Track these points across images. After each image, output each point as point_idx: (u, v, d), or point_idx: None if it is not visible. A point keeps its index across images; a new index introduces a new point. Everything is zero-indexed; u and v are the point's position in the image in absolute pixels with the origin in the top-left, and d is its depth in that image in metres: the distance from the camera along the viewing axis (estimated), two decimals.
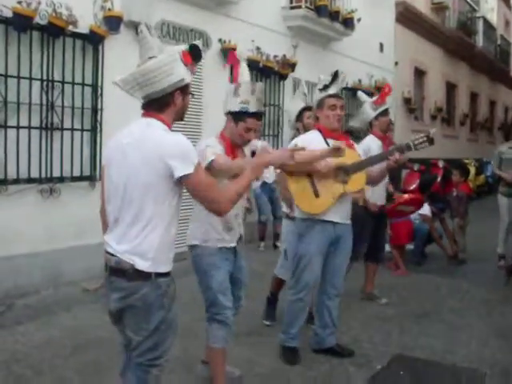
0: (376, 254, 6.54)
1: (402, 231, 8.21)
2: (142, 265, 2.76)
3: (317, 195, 4.58)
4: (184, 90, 2.90)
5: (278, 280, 5.73)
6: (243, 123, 3.81)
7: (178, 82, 2.84)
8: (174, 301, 2.90)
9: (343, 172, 4.61)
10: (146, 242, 2.77)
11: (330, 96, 4.70)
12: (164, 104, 2.88)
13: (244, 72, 4.04)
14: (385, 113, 6.35)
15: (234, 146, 3.89)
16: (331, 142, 4.64)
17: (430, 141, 4.77)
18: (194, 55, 2.90)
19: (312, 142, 4.57)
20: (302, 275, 4.68)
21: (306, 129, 5.54)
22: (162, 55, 2.85)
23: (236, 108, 3.82)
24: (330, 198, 4.61)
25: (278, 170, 4.88)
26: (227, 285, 3.88)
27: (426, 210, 8.74)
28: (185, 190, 2.84)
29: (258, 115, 3.86)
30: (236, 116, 3.83)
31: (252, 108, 3.80)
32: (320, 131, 4.72)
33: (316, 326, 4.95)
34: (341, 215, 4.70)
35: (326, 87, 4.72)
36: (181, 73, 2.84)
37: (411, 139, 4.80)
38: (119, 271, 2.80)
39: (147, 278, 2.78)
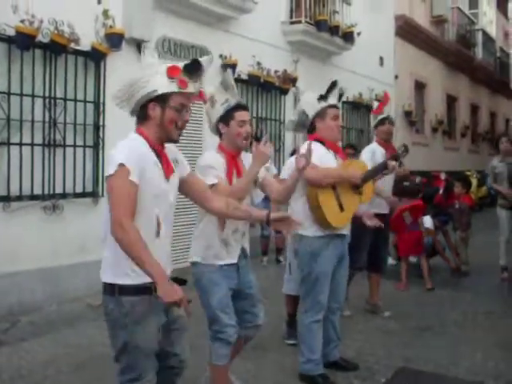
0: (378, 264, 6.48)
1: (410, 242, 8.08)
2: (105, 277, 2.85)
3: (342, 209, 4.52)
4: (160, 101, 2.85)
5: (290, 298, 5.61)
6: (233, 120, 3.82)
7: (150, 92, 2.84)
8: (141, 322, 2.79)
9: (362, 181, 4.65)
10: (106, 251, 2.86)
11: (332, 106, 4.62)
12: (142, 117, 2.92)
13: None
14: (382, 122, 6.33)
15: (234, 156, 3.89)
16: (332, 153, 4.62)
17: (406, 149, 5.56)
18: (190, 69, 2.89)
19: (322, 153, 4.51)
20: (320, 296, 4.55)
21: None
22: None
23: (221, 112, 3.86)
24: (352, 211, 4.61)
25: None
26: (227, 302, 3.83)
27: (428, 222, 8.73)
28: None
29: (242, 106, 3.90)
30: (225, 119, 3.85)
31: (232, 102, 3.85)
32: (321, 142, 4.59)
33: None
34: (348, 227, 4.73)
35: (323, 97, 4.61)
36: (155, 84, 2.84)
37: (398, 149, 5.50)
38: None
39: (112, 293, 2.81)
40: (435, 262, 9.13)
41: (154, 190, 2.83)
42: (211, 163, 3.76)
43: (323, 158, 4.48)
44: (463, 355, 5.32)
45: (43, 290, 6.49)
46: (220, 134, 3.95)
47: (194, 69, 2.91)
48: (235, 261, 3.90)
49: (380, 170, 5.22)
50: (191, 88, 2.91)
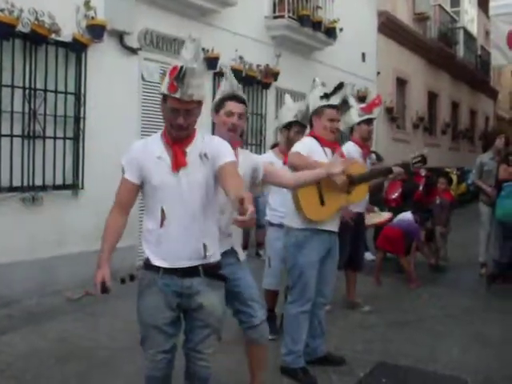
0: (355, 262, 6.42)
1: (388, 237, 7.99)
2: None
3: (322, 203, 4.51)
4: (164, 99, 3.01)
5: (269, 293, 5.62)
6: (223, 110, 3.75)
7: (160, 88, 3.06)
8: (144, 292, 3.13)
9: (349, 182, 4.57)
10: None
11: (331, 107, 4.58)
12: None
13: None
14: (369, 121, 6.27)
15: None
16: (328, 150, 4.58)
17: (424, 160, 4.94)
18: (180, 74, 2.89)
19: (315, 149, 4.52)
20: (307, 287, 4.54)
21: (291, 142, 5.16)
22: None
23: (216, 100, 3.84)
24: (334, 207, 4.59)
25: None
26: None
27: (409, 218, 8.76)
28: None
29: (237, 98, 3.78)
30: (216, 107, 3.81)
31: (227, 91, 3.82)
32: (316, 139, 4.59)
33: (306, 336, 4.79)
34: (336, 225, 4.70)
35: (326, 96, 4.57)
36: (163, 84, 3.02)
37: (411, 157, 4.96)
38: None
39: None
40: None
41: (154, 182, 3.03)
42: None
43: (314, 154, 4.46)
44: (442, 350, 5.37)
45: (22, 283, 6.42)
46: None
47: (181, 76, 2.89)
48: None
49: (379, 175, 5.16)
50: (178, 93, 2.91)
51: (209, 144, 3.09)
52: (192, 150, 3.04)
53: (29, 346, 5.15)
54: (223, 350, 4.57)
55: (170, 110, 2.97)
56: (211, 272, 3.13)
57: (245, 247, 9.36)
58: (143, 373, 3.25)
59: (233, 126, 3.71)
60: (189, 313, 3.17)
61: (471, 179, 9.05)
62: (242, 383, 4.40)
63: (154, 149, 3.07)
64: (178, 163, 3.01)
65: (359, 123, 6.26)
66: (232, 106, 3.74)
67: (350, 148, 6.04)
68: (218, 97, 3.84)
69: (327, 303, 4.90)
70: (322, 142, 4.57)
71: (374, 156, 8.40)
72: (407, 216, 8.56)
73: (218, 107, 3.79)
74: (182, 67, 2.89)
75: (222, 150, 3.07)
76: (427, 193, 9.67)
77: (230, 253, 3.73)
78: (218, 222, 3.31)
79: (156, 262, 3.07)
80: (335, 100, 4.59)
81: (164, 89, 2.98)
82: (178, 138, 3.03)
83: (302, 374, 4.55)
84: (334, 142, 4.68)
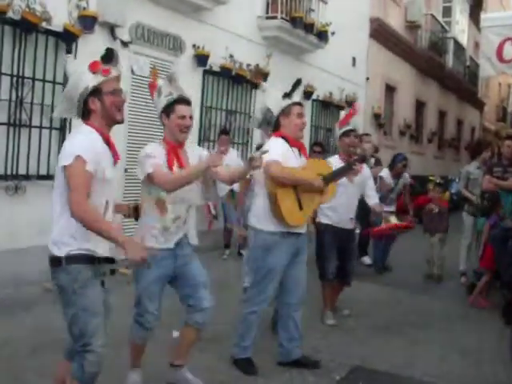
0: (344, 277, 6.24)
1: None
2: (55, 251, 3.15)
3: (301, 207, 4.59)
4: (96, 93, 3.22)
5: None
6: (174, 114, 3.96)
7: (84, 89, 3.21)
8: (87, 285, 3.13)
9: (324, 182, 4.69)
10: (56, 229, 3.16)
11: (296, 104, 4.69)
12: (86, 112, 3.27)
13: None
14: (347, 134, 5.97)
15: (175, 147, 3.99)
16: (295, 150, 4.69)
17: (376, 149, 5.33)
18: (107, 58, 3.26)
19: (285, 150, 4.59)
20: (267, 288, 4.65)
21: None
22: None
23: (163, 103, 3.98)
24: (311, 210, 4.68)
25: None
26: (154, 290, 3.95)
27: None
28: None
29: (185, 101, 4.00)
30: (166, 111, 3.98)
31: (175, 95, 3.98)
32: (285, 139, 4.65)
33: (282, 338, 4.88)
34: (304, 226, 4.76)
35: (288, 95, 4.68)
36: (85, 82, 3.21)
37: (364, 150, 5.26)
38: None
39: (59, 263, 3.13)
40: (398, 261, 9.26)
41: (107, 174, 3.21)
42: (149, 153, 3.88)
43: (285, 155, 4.56)
44: (419, 356, 5.39)
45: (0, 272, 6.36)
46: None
47: (109, 56, 3.28)
48: (172, 246, 3.95)
49: (345, 171, 5.24)
50: (114, 72, 3.29)
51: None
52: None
53: (4, 335, 5.09)
54: (200, 348, 4.60)
55: (111, 93, 3.24)
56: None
57: (226, 246, 9.36)
58: (85, 372, 3.19)
59: (186, 129, 3.99)
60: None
61: (455, 188, 9.07)
62: (220, 381, 4.41)
63: (102, 143, 3.24)
64: (116, 156, 3.35)
65: (340, 138, 6.05)
66: (184, 109, 3.98)
67: (333, 162, 5.62)
68: (164, 101, 4.00)
69: (301, 304, 4.89)
70: (290, 142, 4.67)
71: (372, 160, 8.44)
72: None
73: (169, 110, 3.97)
74: (107, 51, 3.31)
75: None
76: (410, 200, 9.67)
77: (183, 238, 4.01)
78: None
79: (99, 252, 3.20)
80: (296, 97, 4.74)
81: (96, 80, 3.22)
82: (115, 122, 3.33)
83: (244, 363, 4.71)
84: (299, 141, 4.80)
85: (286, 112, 4.67)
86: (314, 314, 6.22)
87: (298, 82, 4.76)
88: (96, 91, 3.21)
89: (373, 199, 6.30)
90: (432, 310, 7.11)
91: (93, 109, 3.23)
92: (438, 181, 9.28)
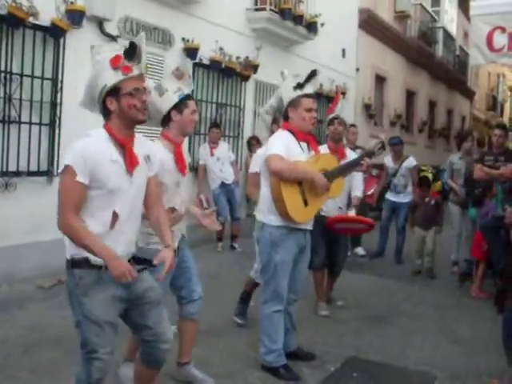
0: (333, 269, 6.32)
1: None
2: (66, 252, 3.01)
3: (306, 204, 4.44)
4: (114, 93, 2.98)
5: (253, 281, 5.63)
6: (187, 108, 3.85)
7: (102, 88, 2.98)
8: (89, 291, 2.96)
9: (328, 179, 4.50)
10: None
11: (307, 96, 4.40)
12: (105, 113, 3.05)
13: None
14: (331, 122, 6.04)
15: (179, 144, 3.91)
16: (304, 145, 4.51)
17: (383, 146, 5.12)
18: (130, 53, 3.00)
19: (289, 144, 4.39)
20: (279, 287, 4.49)
21: None
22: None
23: (175, 99, 3.83)
24: (317, 206, 4.59)
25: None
26: None
27: None
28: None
29: (191, 96, 3.96)
30: (179, 106, 3.83)
31: (186, 91, 3.88)
32: (292, 132, 4.44)
33: None
34: (310, 223, 4.66)
35: (300, 86, 4.38)
36: (104, 79, 2.98)
37: (372, 145, 5.05)
38: None
39: (67, 265, 3.01)
40: (391, 252, 9.30)
41: (109, 185, 2.94)
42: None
43: (290, 150, 4.35)
44: (412, 346, 5.42)
45: None
46: (164, 124, 3.92)
47: (133, 52, 3.01)
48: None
49: (351, 166, 5.14)
50: (136, 70, 3.01)
51: (145, 145, 3.20)
52: (138, 151, 3.09)
53: None
54: (197, 343, 4.59)
55: (130, 94, 2.99)
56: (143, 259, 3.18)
57: (219, 239, 9.36)
58: (91, 378, 3.08)
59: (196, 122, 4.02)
60: (134, 303, 3.14)
61: (445, 178, 9.08)
62: (216, 374, 4.40)
63: (106, 151, 2.97)
64: (133, 163, 3.03)
65: (327, 128, 6.10)
66: (193, 104, 3.94)
67: (322, 150, 5.51)
68: (175, 97, 3.85)
69: (298, 299, 4.86)
70: (298, 136, 4.46)
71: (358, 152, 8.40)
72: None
73: (182, 106, 3.84)
74: (130, 45, 3.05)
75: (154, 154, 3.27)
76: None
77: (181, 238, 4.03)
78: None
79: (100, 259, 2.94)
80: (309, 89, 4.42)
81: (115, 79, 2.98)
82: (137, 122, 3.06)
83: (284, 371, 4.51)
84: (309, 134, 4.57)
85: (294, 104, 4.40)
86: (309, 306, 6.23)
87: (313, 73, 4.45)
88: (114, 90, 2.97)
89: (354, 191, 6.27)
90: (425, 299, 7.13)
91: (111, 109, 3.00)
92: (428, 169, 9.26)
